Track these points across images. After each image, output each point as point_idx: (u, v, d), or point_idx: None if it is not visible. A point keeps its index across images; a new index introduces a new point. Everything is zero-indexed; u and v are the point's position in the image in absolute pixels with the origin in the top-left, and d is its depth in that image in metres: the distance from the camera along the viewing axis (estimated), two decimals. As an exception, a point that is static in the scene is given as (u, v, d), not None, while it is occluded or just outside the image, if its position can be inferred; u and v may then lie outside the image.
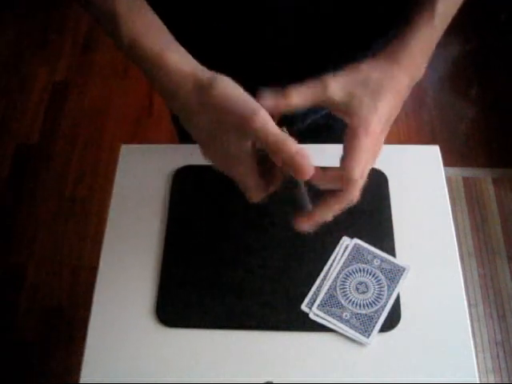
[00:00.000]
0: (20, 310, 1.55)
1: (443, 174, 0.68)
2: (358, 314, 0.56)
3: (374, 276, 0.58)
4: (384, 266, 0.59)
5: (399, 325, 0.58)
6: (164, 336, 0.58)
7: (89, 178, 1.79)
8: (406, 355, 0.57)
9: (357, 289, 0.58)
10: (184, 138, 0.92)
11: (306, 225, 0.51)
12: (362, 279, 0.58)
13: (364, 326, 0.56)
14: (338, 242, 0.63)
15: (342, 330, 0.56)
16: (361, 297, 0.57)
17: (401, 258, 0.62)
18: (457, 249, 0.63)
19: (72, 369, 1.43)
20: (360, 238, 0.63)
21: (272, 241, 0.63)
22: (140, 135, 1.87)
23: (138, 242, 0.64)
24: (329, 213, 0.50)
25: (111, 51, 2.07)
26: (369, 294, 0.57)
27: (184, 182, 0.68)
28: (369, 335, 0.55)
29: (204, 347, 0.57)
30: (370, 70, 0.50)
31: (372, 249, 0.60)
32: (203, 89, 0.48)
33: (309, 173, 0.47)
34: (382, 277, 0.58)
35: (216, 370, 0.56)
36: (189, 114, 0.50)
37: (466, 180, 1.75)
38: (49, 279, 1.60)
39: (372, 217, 0.64)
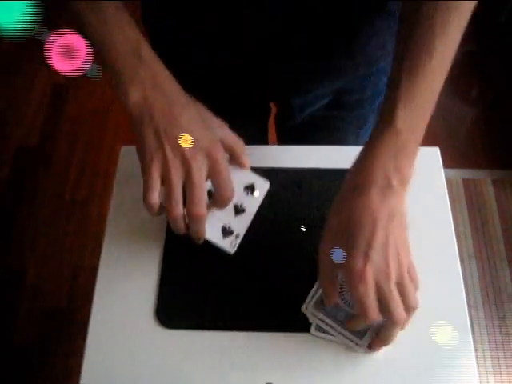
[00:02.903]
0: (20, 310, 1.55)
1: (443, 175, 0.68)
2: (353, 315, 0.56)
3: None
4: None
5: (399, 326, 0.58)
6: (164, 337, 0.58)
7: (89, 179, 1.79)
8: (405, 356, 0.57)
9: None
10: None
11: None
12: None
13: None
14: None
15: (336, 330, 0.56)
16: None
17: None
18: (457, 250, 0.63)
19: (72, 369, 1.43)
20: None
21: (272, 242, 0.63)
22: (140, 136, 1.87)
23: (138, 243, 0.64)
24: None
25: (112, 52, 2.07)
26: None
27: (184, 182, 0.68)
28: (361, 337, 0.55)
29: (203, 348, 0.57)
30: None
31: None
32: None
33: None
34: None
35: (216, 372, 0.56)
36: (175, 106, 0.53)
37: (466, 181, 1.75)
38: (49, 279, 1.60)
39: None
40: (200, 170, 0.52)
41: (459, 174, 1.77)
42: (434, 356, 0.56)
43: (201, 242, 0.58)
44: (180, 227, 0.54)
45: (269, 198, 0.65)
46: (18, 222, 1.71)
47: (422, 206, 0.66)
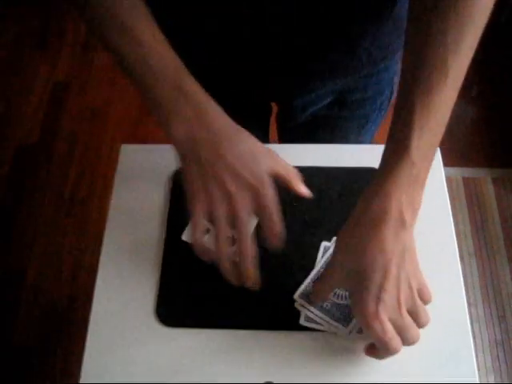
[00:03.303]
0: (20, 310, 1.55)
1: (443, 174, 0.68)
2: (338, 304, 0.56)
3: None
4: None
5: (399, 325, 0.58)
6: (164, 336, 0.58)
7: (89, 178, 1.79)
8: (405, 355, 0.57)
9: None
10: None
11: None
12: None
13: (343, 315, 0.56)
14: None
15: (322, 319, 0.56)
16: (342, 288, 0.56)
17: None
18: (457, 249, 0.63)
19: (72, 369, 1.43)
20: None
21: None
22: (140, 135, 1.87)
23: (138, 242, 0.64)
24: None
25: (111, 51, 2.07)
26: None
27: (184, 182, 0.68)
28: (347, 324, 0.55)
29: (204, 347, 0.57)
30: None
31: None
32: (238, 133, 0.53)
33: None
34: None
35: (216, 370, 0.56)
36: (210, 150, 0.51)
37: (465, 180, 1.75)
38: (49, 279, 1.60)
39: None
40: (246, 206, 0.51)
41: (459, 172, 1.77)
42: (434, 355, 0.56)
43: (255, 287, 0.54)
44: (229, 270, 0.53)
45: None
46: (17, 222, 1.71)
47: (422, 204, 0.66)
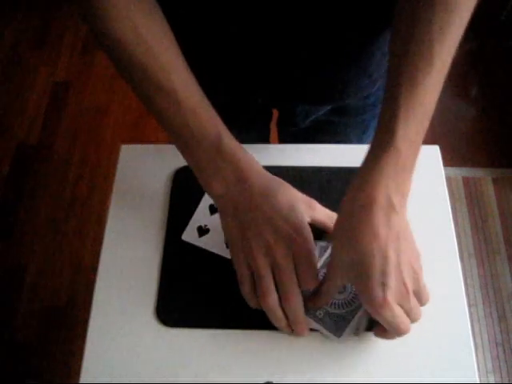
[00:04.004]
0: (20, 310, 1.55)
1: (443, 173, 0.68)
2: (331, 313, 0.56)
3: None
4: None
5: (399, 325, 0.58)
6: (164, 336, 0.58)
7: (89, 178, 1.79)
8: (405, 355, 0.57)
9: None
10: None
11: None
12: None
13: (336, 325, 0.56)
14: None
15: (317, 327, 0.56)
16: (337, 297, 0.56)
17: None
18: (457, 249, 0.63)
19: (72, 369, 1.43)
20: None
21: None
22: (140, 135, 1.87)
23: (138, 242, 0.64)
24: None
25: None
26: (345, 294, 0.57)
27: (184, 181, 0.68)
28: (340, 335, 0.55)
29: (204, 347, 0.57)
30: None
31: None
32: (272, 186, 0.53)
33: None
34: None
35: (216, 370, 0.56)
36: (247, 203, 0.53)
37: (466, 180, 1.75)
38: (49, 279, 1.60)
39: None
40: (285, 256, 0.51)
41: (459, 172, 1.77)
42: (434, 355, 0.56)
43: (304, 334, 0.55)
44: (278, 317, 0.53)
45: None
46: (17, 222, 1.71)
47: (421, 204, 0.66)
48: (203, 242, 0.63)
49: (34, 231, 1.69)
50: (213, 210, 0.65)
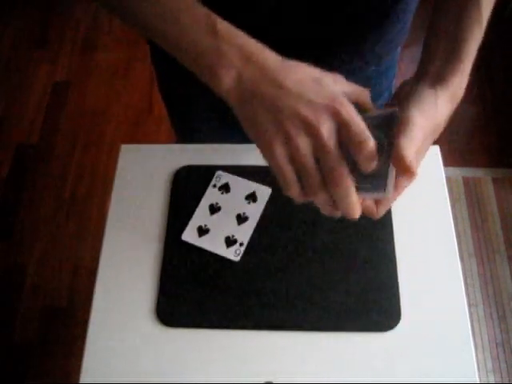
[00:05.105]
0: (20, 309, 1.55)
1: (443, 173, 0.68)
2: (366, 178, 0.48)
3: None
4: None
5: (399, 325, 0.58)
6: (164, 336, 0.58)
7: (88, 178, 1.79)
8: (405, 355, 0.57)
9: None
10: (183, 138, 0.92)
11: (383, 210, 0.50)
12: None
13: (378, 183, 0.48)
14: (334, 240, 0.63)
15: (361, 196, 0.48)
16: None
17: (401, 258, 0.62)
18: (457, 249, 0.63)
19: (72, 369, 1.43)
20: (359, 238, 0.63)
21: (272, 241, 0.63)
22: (140, 135, 1.87)
23: (138, 242, 0.64)
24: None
25: (111, 51, 2.07)
26: None
27: (184, 181, 0.68)
28: (384, 189, 0.47)
29: (204, 347, 0.57)
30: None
31: None
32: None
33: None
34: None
35: (216, 370, 0.56)
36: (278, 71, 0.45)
37: (466, 180, 1.75)
38: (49, 279, 1.60)
39: (371, 217, 0.64)
40: (330, 131, 0.43)
41: (459, 172, 1.77)
42: (434, 354, 0.56)
43: (357, 216, 0.47)
44: (330, 209, 0.47)
45: (270, 197, 0.65)
46: (17, 221, 1.71)
47: (422, 204, 0.66)
48: (203, 242, 0.63)
49: (34, 231, 1.68)
50: (213, 209, 0.65)
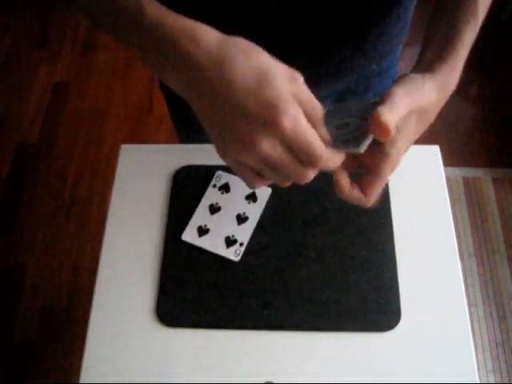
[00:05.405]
0: (20, 309, 1.55)
1: (443, 173, 0.68)
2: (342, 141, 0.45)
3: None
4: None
5: (399, 325, 0.58)
6: (164, 336, 0.58)
7: (88, 178, 1.79)
8: (405, 355, 0.57)
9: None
10: (184, 138, 0.92)
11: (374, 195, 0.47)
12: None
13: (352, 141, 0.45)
14: (334, 240, 0.63)
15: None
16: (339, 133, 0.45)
17: (401, 259, 0.62)
18: (457, 249, 0.63)
19: (72, 369, 1.43)
20: (359, 238, 0.63)
21: (272, 241, 0.63)
22: (140, 135, 1.87)
23: (138, 242, 0.64)
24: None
25: (111, 51, 2.07)
26: (347, 131, 0.46)
27: (184, 181, 0.68)
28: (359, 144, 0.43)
29: (204, 347, 0.57)
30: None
31: None
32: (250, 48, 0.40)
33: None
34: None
35: (216, 370, 0.56)
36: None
37: (466, 180, 1.75)
38: (49, 279, 1.60)
39: (372, 217, 0.64)
40: (271, 146, 0.39)
41: (459, 172, 1.77)
42: (434, 354, 0.56)
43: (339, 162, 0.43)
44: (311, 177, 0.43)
45: (270, 197, 0.65)
46: (17, 221, 1.71)
47: (421, 204, 0.66)
48: (203, 242, 0.63)
49: (34, 231, 1.68)
50: (213, 209, 0.65)
